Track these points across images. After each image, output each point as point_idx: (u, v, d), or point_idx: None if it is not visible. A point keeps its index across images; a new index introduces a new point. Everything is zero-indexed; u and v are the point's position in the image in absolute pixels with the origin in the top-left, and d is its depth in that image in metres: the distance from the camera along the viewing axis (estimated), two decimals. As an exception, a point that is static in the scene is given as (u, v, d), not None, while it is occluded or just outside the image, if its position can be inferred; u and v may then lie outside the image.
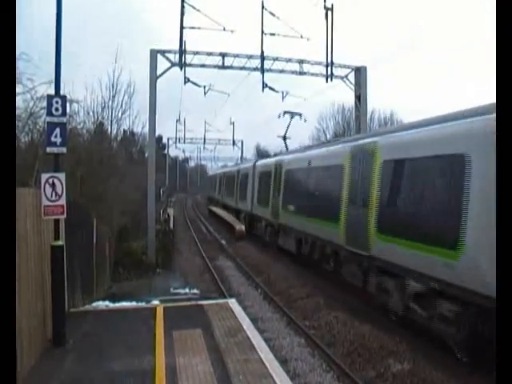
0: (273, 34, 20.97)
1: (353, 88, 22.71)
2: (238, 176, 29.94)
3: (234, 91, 26.64)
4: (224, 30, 20.42)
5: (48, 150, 7.31)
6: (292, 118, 19.25)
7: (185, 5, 20.11)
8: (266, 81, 21.97)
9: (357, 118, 23.84)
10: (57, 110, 7.21)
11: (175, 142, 62.94)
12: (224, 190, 37.90)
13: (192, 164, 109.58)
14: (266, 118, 66.20)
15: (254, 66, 21.53)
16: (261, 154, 59.65)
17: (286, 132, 21.59)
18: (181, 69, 21.27)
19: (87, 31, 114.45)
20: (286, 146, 22.74)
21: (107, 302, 10.60)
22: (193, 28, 20.46)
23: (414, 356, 8.43)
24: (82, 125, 19.38)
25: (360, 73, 22.30)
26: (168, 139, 64.08)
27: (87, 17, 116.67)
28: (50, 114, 7.25)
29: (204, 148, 67.20)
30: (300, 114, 18.64)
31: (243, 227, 26.28)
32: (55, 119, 7.22)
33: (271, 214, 19.93)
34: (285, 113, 18.26)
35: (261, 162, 24.34)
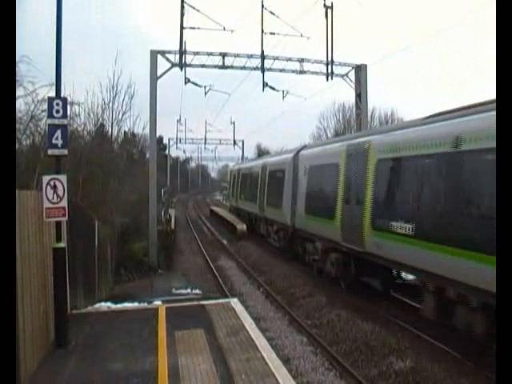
0: (273, 34, 20.92)
1: (353, 86, 22.68)
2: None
3: (235, 91, 26.59)
4: (224, 29, 20.40)
5: (49, 151, 7.32)
6: None
7: (185, 5, 20.12)
8: (266, 80, 21.94)
9: (357, 116, 23.82)
10: (58, 112, 7.21)
11: (176, 143, 62.98)
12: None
13: (193, 164, 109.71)
14: (266, 118, 65.80)
15: (255, 66, 21.51)
16: (262, 153, 59.26)
17: None
18: (181, 69, 21.23)
19: (87, 32, 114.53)
20: None
21: (109, 304, 10.59)
22: (193, 28, 20.43)
23: (416, 353, 8.45)
24: (82, 127, 19.37)
25: (360, 71, 22.27)
26: (169, 140, 64.05)
27: (87, 18, 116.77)
28: (51, 116, 7.25)
29: (205, 148, 67.28)
30: None
31: (244, 226, 26.29)
32: (56, 121, 7.22)
33: None
34: None
35: None
